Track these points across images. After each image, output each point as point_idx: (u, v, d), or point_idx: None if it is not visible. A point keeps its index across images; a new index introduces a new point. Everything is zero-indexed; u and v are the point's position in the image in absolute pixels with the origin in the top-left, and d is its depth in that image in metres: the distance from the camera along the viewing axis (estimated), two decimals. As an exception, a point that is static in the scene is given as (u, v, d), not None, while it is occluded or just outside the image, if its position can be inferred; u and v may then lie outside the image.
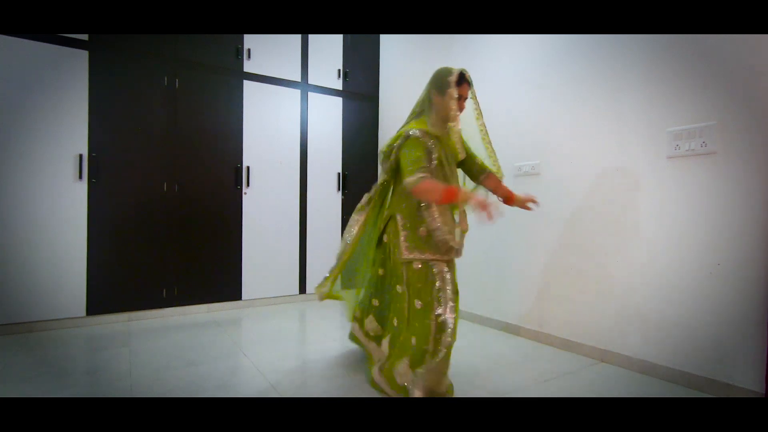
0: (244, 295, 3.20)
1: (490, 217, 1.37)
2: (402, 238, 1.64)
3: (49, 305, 2.55)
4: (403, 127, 1.72)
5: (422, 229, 1.61)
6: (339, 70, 3.62)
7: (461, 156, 1.72)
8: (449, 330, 1.52)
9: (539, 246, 2.42)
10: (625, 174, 2.02)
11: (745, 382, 1.61)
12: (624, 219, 2.02)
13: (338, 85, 3.62)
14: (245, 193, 3.19)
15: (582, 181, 2.21)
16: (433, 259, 1.60)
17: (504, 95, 2.65)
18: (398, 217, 1.69)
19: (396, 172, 1.73)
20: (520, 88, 2.55)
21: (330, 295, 2.04)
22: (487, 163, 1.80)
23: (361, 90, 3.72)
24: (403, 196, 1.67)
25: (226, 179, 3.12)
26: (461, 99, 1.60)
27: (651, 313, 1.91)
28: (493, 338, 2.50)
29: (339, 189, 3.62)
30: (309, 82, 3.47)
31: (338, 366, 2.00)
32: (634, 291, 1.97)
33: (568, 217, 2.27)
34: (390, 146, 1.70)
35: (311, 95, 3.48)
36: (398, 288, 1.69)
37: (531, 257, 2.47)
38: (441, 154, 1.62)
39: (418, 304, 1.59)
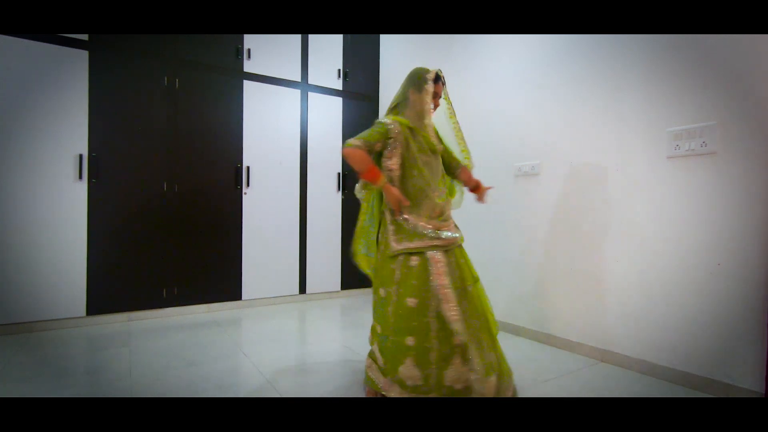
0: (244, 295, 3.20)
1: (397, 214, 1.62)
2: (390, 233, 1.64)
3: (49, 305, 2.55)
4: None
5: (409, 219, 1.61)
6: (339, 70, 3.62)
7: (438, 149, 1.75)
8: (455, 327, 1.47)
9: (539, 246, 2.42)
10: (625, 174, 2.02)
11: (745, 382, 1.61)
12: (624, 219, 2.02)
13: (338, 85, 3.62)
14: (245, 193, 3.19)
15: (582, 181, 2.21)
16: (424, 247, 1.56)
17: (504, 95, 2.65)
18: (386, 213, 1.69)
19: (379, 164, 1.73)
20: (520, 88, 2.55)
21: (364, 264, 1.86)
22: (460, 157, 1.88)
23: (361, 90, 3.72)
24: None
25: (226, 179, 3.12)
26: (436, 96, 1.72)
27: (651, 313, 1.91)
28: (493, 338, 2.49)
29: (339, 189, 3.62)
30: (309, 82, 3.47)
31: (338, 366, 2.00)
32: (634, 291, 1.97)
33: (567, 217, 2.27)
34: None
35: (311, 95, 3.48)
36: (382, 291, 1.63)
37: (531, 257, 2.47)
38: (419, 144, 1.67)
39: (411, 302, 1.52)
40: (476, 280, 1.68)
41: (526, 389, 1.77)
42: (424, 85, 1.66)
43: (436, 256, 1.56)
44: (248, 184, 3.19)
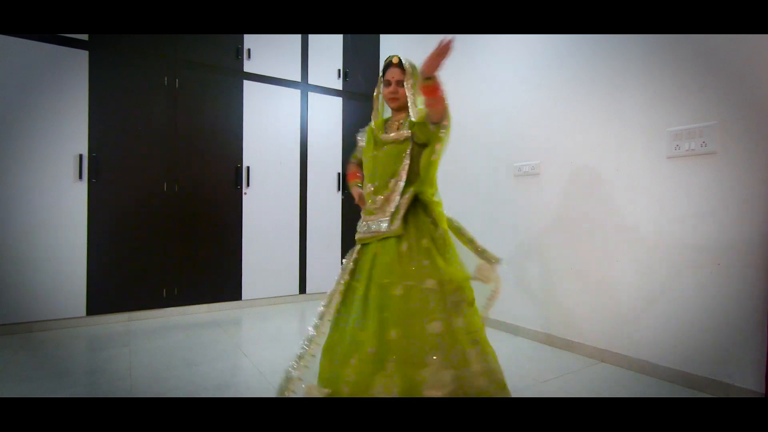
0: (244, 295, 3.20)
1: (362, 205, 1.60)
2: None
3: (49, 305, 2.55)
4: None
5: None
6: (339, 70, 3.62)
7: (394, 136, 1.55)
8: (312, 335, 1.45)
9: (539, 246, 2.42)
10: (625, 174, 2.02)
11: (745, 382, 1.61)
12: (624, 219, 2.02)
13: (338, 85, 3.62)
14: (245, 193, 3.19)
15: (582, 180, 2.20)
16: (357, 239, 1.57)
17: (504, 95, 2.65)
18: None
19: None
20: (519, 88, 2.55)
21: None
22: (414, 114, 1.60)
23: (361, 90, 3.72)
24: None
25: (226, 179, 3.12)
26: (389, 84, 1.56)
27: (651, 314, 1.91)
28: (493, 338, 2.49)
29: (339, 189, 3.62)
30: (309, 82, 3.47)
31: (338, 366, 1.99)
32: (634, 291, 1.97)
33: (567, 217, 2.27)
34: None
35: (311, 95, 3.48)
36: None
37: (530, 257, 2.47)
38: (374, 140, 1.62)
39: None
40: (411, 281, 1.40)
41: (526, 389, 1.77)
42: (382, 76, 1.62)
43: (350, 252, 1.56)
44: (248, 184, 3.19)
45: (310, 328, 1.47)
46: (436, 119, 1.45)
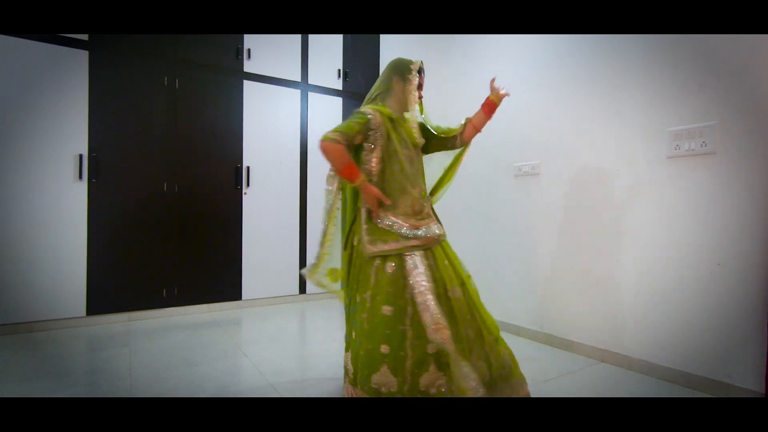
0: (244, 295, 3.20)
1: (375, 216, 1.53)
2: (365, 232, 1.53)
3: (49, 305, 2.55)
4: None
5: (385, 219, 1.51)
6: (339, 70, 3.62)
7: (420, 142, 1.63)
8: (432, 337, 1.38)
9: (539, 246, 2.42)
10: (625, 174, 2.02)
11: (745, 382, 1.61)
12: (624, 219, 2.02)
13: (338, 85, 3.62)
14: (245, 193, 3.19)
15: (582, 181, 2.20)
16: (401, 248, 1.45)
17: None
18: (362, 211, 1.57)
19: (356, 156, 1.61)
20: (519, 88, 2.54)
21: (324, 285, 1.72)
22: (453, 126, 1.74)
23: (361, 90, 3.72)
24: None
25: (226, 179, 3.12)
26: (420, 88, 1.63)
27: (651, 313, 1.91)
28: (493, 338, 2.50)
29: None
30: (309, 82, 3.47)
31: (338, 366, 2.00)
32: (634, 291, 1.97)
33: (567, 217, 2.27)
34: None
35: (311, 95, 3.48)
36: (357, 297, 1.54)
37: (530, 257, 2.47)
38: (401, 138, 1.56)
39: (386, 310, 1.42)
40: (465, 280, 1.53)
41: (526, 389, 1.77)
42: (408, 75, 1.55)
43: (414, 260, 1.46)
44: (248, 184, 3.19)
45: (437, 342, 1.40)
46: (470, 140, 1.72)
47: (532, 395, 1.70)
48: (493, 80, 1.70)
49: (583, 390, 1.77)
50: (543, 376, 1.91)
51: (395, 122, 1.56)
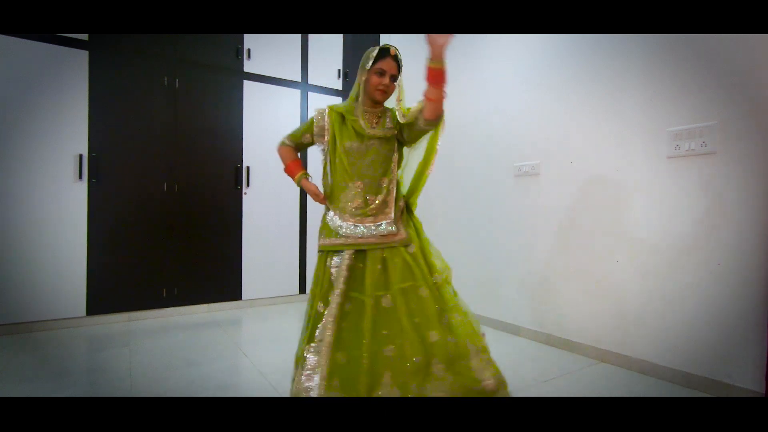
0: (244, 295, 3.20)
1: (322, 203, 1.53)
2: (320, 227, 1.51)
3: (49, 305, 2.55)
4: None
5: (330, 214, 1.47)
6: (339, 70, 3.62)
7: (372, 133, 1.45)
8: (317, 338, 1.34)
9: (539, 246, 2.42)
10: (624, 174, 2.02)
11: (745, 382, 1.61)
12: (624, 219, 2.02)
13: (338, 85, 3.62)
14: (245, 193, 3.19)
15: (582, 181, 2.21)
16: (341, 245, 1.40)
17: (504, 95, 2.65)
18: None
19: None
20: (519, 88, 2.55)
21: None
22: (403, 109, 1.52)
23: (361, 90, 3.72)
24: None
25: (226, 179, 3.12)
26: (383, 74, 1.44)
27: (651, 313, 1.91)
28: (492, 338, 2.49)
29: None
30: (309, 82, 3.47)
31: (338, 366, 2.00)
32: (633, 291, 1.97)
33: (567, 217, 2.27)
34: None
35: (311, 95, 3.48)
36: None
37: (531, 257, 2.47)
38: (346, 131, 1.46)
39: (320, 307, 1.40)
40: (440, 285, 1.41)
41: (526, 389, 1.77)
42: (366, 64, 1.44)
43: (341, 259, 1.40)
44: (248, 184, 3.19)
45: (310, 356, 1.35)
46: (434, 116, 1.34)
47: (533, 395, 1.70)
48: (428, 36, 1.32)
49: (583, 390, 1.77)
50: (543, 376, 1.91)
51: (344, 117, 1.49)
